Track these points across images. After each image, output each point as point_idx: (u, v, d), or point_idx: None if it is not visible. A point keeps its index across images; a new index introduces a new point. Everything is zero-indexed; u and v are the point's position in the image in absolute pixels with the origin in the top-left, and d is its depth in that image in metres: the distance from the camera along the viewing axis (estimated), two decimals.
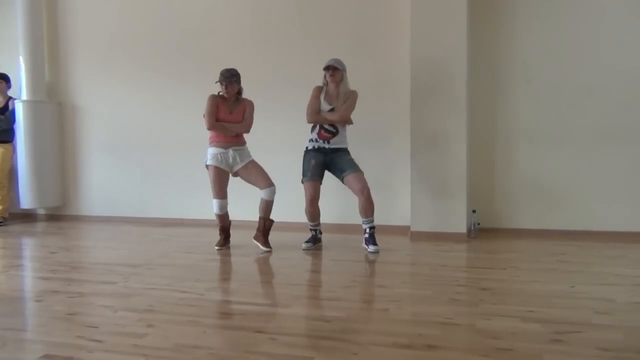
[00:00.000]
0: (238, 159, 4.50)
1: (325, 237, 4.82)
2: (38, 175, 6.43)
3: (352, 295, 3.29)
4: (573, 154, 5.05)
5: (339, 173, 4.48)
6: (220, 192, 4.51)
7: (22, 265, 4.40)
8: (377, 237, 4.46)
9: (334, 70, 4.41)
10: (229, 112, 4.51)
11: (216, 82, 4.45)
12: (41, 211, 6.81)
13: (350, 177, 4.39)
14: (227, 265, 4.08)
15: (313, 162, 4.47)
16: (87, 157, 6.64)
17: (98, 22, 6.49)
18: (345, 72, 4.49)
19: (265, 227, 4.58)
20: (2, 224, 6.24)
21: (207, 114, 4.44)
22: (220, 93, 4.50)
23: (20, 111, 6.36)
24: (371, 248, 4.38)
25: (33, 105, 6.39)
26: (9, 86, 6.50)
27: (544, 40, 5.10)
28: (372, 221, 4.45)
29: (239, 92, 4.58)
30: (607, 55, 4.96)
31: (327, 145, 4.48)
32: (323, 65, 4.48)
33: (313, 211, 4.54)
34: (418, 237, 4.97)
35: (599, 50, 4.98)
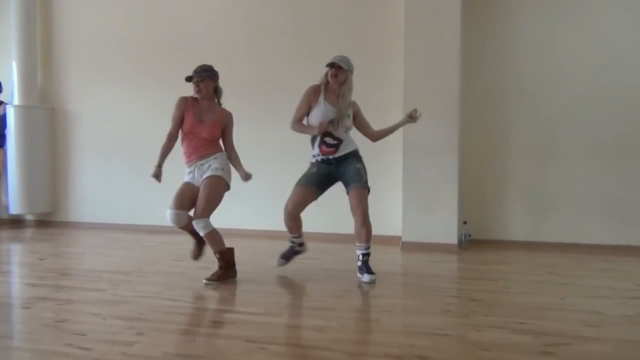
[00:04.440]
0: (199, 175, 3.76)
1: (316, 247, 4.75)
2: (28, 181, 6.38)
3: (344, 305, 3.28)
4: (564, 166, 5.09)
5: (345, 185, 3.86)
6: (178, 201, 3.72)
7: (10, 272, 4.35)
8: None
9: (338, 69, 3.78)
10: (199, 120, 3.72)
11: (186, 79, 3.74)
12: (30, 217, 6.76)
13: (352, 192, 3.78)
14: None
15: (315, 169, 3.87)
16: (78, 163, 6.60)
17: (91, 28, 6.48)
18: (352, 74, 3.87)
19: (220, 261, 3.79)
20: None
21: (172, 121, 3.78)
22: (194, 95, 3.79)
23: (11, 116, 6.32)
24: (365, 277, 3.77)
25: (25, 110, 6.35)
26: (0, 91, 6.46)
27: (537, 53, 5.15)
28: (368, 247, 3.83)
29: (217, 94, 3.85)
30: (599, 70, 5.02)
31: (331, 156, 3.83)
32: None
33: (288, 221, 3.90)
34: (409, 247, 4.97)
35: (591, 64, 5.04)
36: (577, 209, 5.08)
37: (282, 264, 4.08)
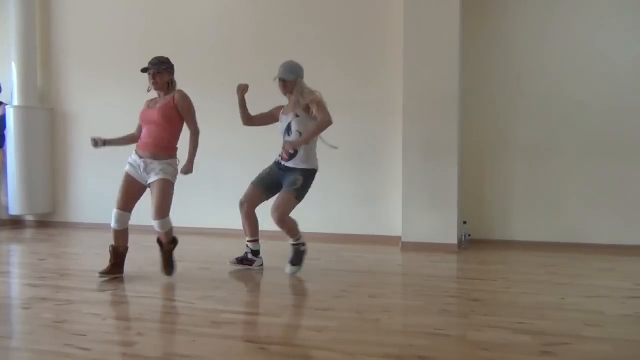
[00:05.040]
0: (148, 172, 3.79)
1: (315, 247, 4.75)
2: (28, 182, 6.38)
3: (343, 305, 3.28)
4: (564, 166, 5.09)
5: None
6: (122, 201, 3.82)
7: (10, 273, 4.35)
8: (368, 248, 4.42)
9: (284, 83, 4.00)
10: (151, 108, 3.83)
11: (142, 71, 3.82)
12: (30, 218, 6.75)
13: (279, 194, 3.93)
14: (217, 274, 4.06)
15: (268, 170, 4.10)
16: (78, 164, 6.60)
17: (91, 30, 6.48)
18: (300, 78, 3.98)
19: (163, 252, 3.90)
20: None
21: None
22: (149, 88, 3.87)
23: (11, 117, 6.32)
24: (288, 269, 4.00)
25: (24, 111, 6.36)
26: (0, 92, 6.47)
27: (537, 52, 5.15)
28: (297, 239, 4.00)
29: (171, 85, 3.87)
30: (600, 69, 5.02)
31: (283, 162, 4.00)
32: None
33: (242, 219, 4.10)
34: (409, 247, 4.97)
35: (591, 64, 5.04)
36: (576, 208, 5.08)
37: (233, 264, 4.16)
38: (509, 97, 5.23)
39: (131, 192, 3.81)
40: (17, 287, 3.86)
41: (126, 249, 3.92)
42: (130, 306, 3.18)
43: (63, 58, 6.63)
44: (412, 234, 5.02)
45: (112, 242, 3.90)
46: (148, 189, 3.85)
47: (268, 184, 4.03)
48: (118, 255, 3.88)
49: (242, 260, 4.16)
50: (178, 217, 6.02)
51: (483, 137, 5.30)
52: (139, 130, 3.94)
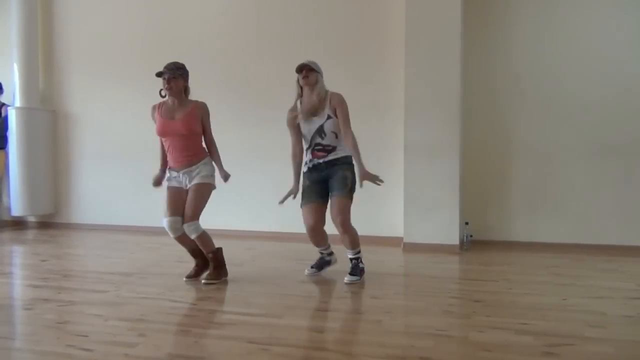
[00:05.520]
0: (187, 181, 3.76)
1: (316, 248, 4.73)
2: (30, 183, 6.40)
3: (345, 306, 3.28)
4: (565, 167, 5.09)
5: (329, 191, 3.81)
6: (170, 209, 3.72)
7: (12, 273, 4.36)
8: (370, 249, 4.40)
9: (309, 71, 3.72)
10: (170, 118, 3.70)
11: (157, 75, 3.68)
12: (32, 219, 6.76)
13: (333, 199, 3.73)
14: None
15: (307, 182, 3.84)
16: (80, 165, 6.61)
17: (92, 31, 6.49)
18: (322, 76, 3.84)
19: (214, 261, 3.83)
20: None
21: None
22: (163, 97, 3.79)
23: (13, 118, 6.33)
24: (346, 278, 3.80)
25: (26, 112, 6.37)
26: (1, 93, 6.48)
27: (539, 53, 5.15)
28: (355, 252, 3.87)
29: (185, 94, 3.78)
30: (601, 70, 5.01)
31: (321, 160, 3.79)
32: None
33: (313, 239, 3.90)
34: (411, 248, 4.97)
35: (593, 64, 5.04)
36: (579, 209, 5.07)
37: (312, 273, 4.04)
38: (511, 98, 5.23)
39: (178, 197, 3.73)
40: (19, 288, 3.86)
41: (194, 243, 3.81)
42: (132, 307, 3.18)
43: (64, 60, 6.64)
44: (413, 235, 5.02)
45: (184, 248, 3.89)
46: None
47: (319, 190, 3.80)
48: (197, 255, 3.88)
49: (321, 265, 4.07)
50: None
51: (485, 138, 5.30)
52: (162, 144, 3.84)
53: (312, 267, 4.07)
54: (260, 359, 2.37)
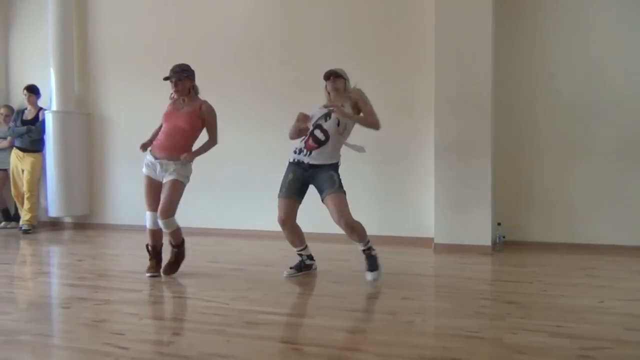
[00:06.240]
0: (164, 172, 3.92)
1: (346, 248, 4.73)
2: (66, 185, 6.55)
3: (376, 306, 3.28)
4: (601, 165, 4.97)
5: (319, 193, 3.79)
6: (152, 204, 3.95)
7: (50, 273, 4.48)
8: (400, 250, 4.36)
9: (335, 77, 3.85)
10: (177, 110, 3.97)
11: (165, 79, 3.95)
12: (68, 219, 6.93)
13: (327, 199, 3.70)
14: (251, 275, 4.09)
15: (290, 176, 3.84)
16: (114, 167, 6.74)
17: (126, 35, 6.61)
18: (348, 82, 3.94)
19: (174, 255, 4.08)
20: (30, 231, 6.37)
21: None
22: (172, 95, 4.03)
23: (50, 121, 6.50)
24: (369, 276, 3.77)
25: (62, 115, 6.53)
26: (38, 97, 6.66)
27: (571, 51, 5.05)
28: (366, 243, 3.81)
29: (193, 91, 4.03)
30: (635, 67, 4.89)
31: (306, 160, 3.78)
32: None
33: (286, 234, 3.95)
34: (442, 249, 4.93)
35: (627, 62, 4.91)
36: (615, 209, 4.95)
37: (291, 274, 4.01)
38: (544, 96, 5.14)
39: (156, 192, 3.95)
40: (57, 287, 3.96)
41: (162, 245, 4.12)
42: (166, 306, 3.24)
43: (99, 64, 6.78)
44: (444, 236, 4.97)
45: (150, 242, 4.06)
46: None
47: (298, 189, 3.85)
48: (157, 253, 4.10)
49: (300, 268, 4.05)
50: (211, 219, 6.14)
51: (517, 137, 5.21)
52: (159, 129, 4.10)
53: (291, 268, 4.05)
54: (292, 358, 2.39)
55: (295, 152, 3.87)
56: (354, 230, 3.72)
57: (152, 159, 3.95)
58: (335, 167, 3.83)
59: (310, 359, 2.39)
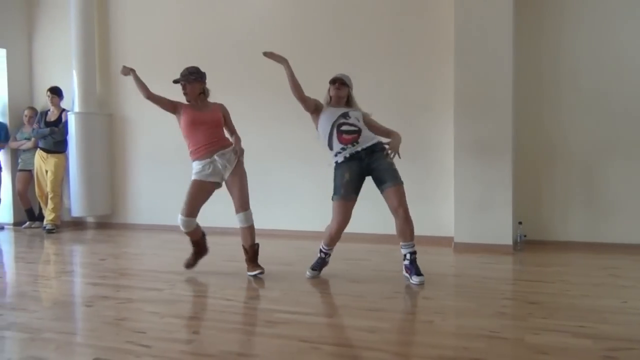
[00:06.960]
0: (227, 164, 3.94)
1: (366, 248, 4.77)
2: (88, 185, 6.65)
3: (396, 306, 3.26)
4: (623, 164, 4.89)
5: (378, 183, 3.77)
6: (193, 209, 3.97)
7: (73, 271, 4.54)
8: (420, 249, 4.35)
9: (341, 84, 3.91)
10: (199, 110, 3.97)
11: (174, 82, 4.03)
12: (90, 219, 7.03)
13: (389, 190, 3.70)
14: (270, 274, 4.11)
15: (347, 175, 3.74)
16: (135, 167, 6.82)
17: (146, 37, 6.68)
18: (352, 90, 4.01)
19: (249, 255, 4.04)
20: (53, 231, 6.47)
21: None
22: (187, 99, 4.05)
23: (72, 123, 6.60)
24: (415, 280, 3.72)
25: (85, 117, 6.62)
26: (61, 99, 6.77)
27: (594, 49, 4.97)
28: (413, 245, 3.80)
29: (204, 93, 4.06)
30: None
31: (359, 148, 3.74)
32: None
33: (337, 238, 3.92)
34: (462, 248, 4.89)
35: None
36: (637, 208, 4.86)
37: (314, 276, 3.98)
38: (566, 95, 5.06)
39: (205, 196, 4.00)
40: (79, 285, 4.02)
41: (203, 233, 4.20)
42: (187, 305, 3.26)
43: (121, 65, 6.84)
44: (464, 235, 4.93)
45: (191, 239, 4.15)
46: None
47: (355, 187, 3.78)
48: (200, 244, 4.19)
49: (322, 267, 4.02)
50: (231, 218, 6.15)
51: (539, 135, 5.15)
52: (163, 98, 4.11)
53: (313, 269, 3.99)
54: (311, 357, 2.39)
55: (339, 153, 3.79)
56: (408, 223, 3.75)
57: (204, 162, 3.94)
58: (385, 149, 3.79)
59: (329, 358, 2.39)
